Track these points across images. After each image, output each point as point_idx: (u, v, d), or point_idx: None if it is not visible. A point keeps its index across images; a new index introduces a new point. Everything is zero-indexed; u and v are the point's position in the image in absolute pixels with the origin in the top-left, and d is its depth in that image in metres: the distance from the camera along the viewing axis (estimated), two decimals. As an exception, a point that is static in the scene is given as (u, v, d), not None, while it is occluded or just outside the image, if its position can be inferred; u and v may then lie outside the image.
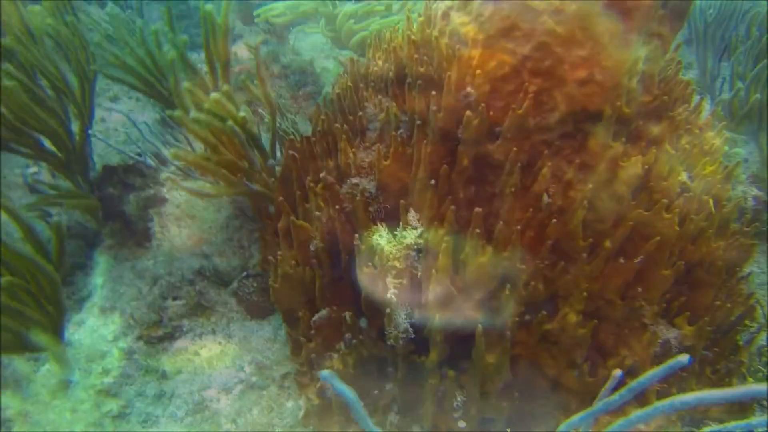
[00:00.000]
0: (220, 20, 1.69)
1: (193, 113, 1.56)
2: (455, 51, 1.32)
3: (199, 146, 2.23)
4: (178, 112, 1.60)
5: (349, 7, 3.42)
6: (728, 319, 1.59)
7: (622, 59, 1.12)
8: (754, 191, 2.44)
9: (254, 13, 3.90)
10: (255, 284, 2.20)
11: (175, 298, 2.16)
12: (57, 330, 1.67)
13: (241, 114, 1.67)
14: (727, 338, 1.57)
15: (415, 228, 1.39)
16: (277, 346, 2.03)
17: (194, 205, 2.41)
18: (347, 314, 1.51)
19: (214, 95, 1.57)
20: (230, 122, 1.63)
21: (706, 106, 2.83)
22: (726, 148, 1.94)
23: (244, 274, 2.23)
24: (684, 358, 0.83)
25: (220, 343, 2.06)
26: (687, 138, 1.46)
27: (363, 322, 1.56)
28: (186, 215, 2.40)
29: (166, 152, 1.98)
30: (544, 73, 1.21)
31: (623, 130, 1.24)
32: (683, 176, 1.37)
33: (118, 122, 3.15)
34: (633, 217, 1.32)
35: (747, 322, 1.70)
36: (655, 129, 1.29)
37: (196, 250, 2.29)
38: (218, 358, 2.01)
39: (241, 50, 4.58)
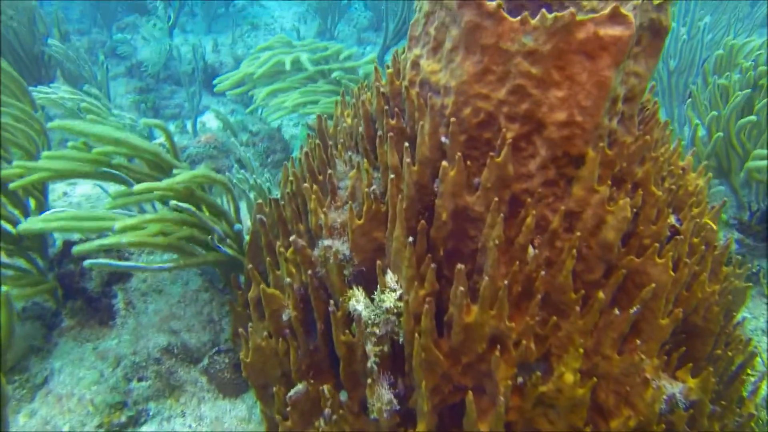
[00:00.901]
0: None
1: (117, 238, 1.62)
2: (427, 100, 1.27)
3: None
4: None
5: (270, 87, 3.54)
6: (730, 369, 1.51)
7: (602, 98, 1.07)
8: (736, 234, 2.41)
9: (213, 83, 3.91)
10: (227, 360, 2.07)
11: (140, 380, 2.01)
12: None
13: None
14: (732, 389, 1.48)
15: (394, 290, 1.29)
16: (252, 426, 1.88)
17: (161, 279, 2.30)
18: (326, 387, 1.39)
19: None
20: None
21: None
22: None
23: (215, 350, 2.10)
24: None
25: (190, 426, 1.91)
26: (671, 179, 1.41)
27: (343, 395, 1.44)
28: (152, 290, 2.29)
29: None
30: (522, 118, 1.15)
31: (607, 174, 1.18)
32: (672, 219, 1.31)
33: (82, 196, 3.05)
34: (625, 264, 1.24)
35: (748, 370, 1.62)
36: (639, 171, 1.23)
37: (163, 327, 2.16)
38: (188, 443, 1.85)
39: (210, 120, 4.57)
